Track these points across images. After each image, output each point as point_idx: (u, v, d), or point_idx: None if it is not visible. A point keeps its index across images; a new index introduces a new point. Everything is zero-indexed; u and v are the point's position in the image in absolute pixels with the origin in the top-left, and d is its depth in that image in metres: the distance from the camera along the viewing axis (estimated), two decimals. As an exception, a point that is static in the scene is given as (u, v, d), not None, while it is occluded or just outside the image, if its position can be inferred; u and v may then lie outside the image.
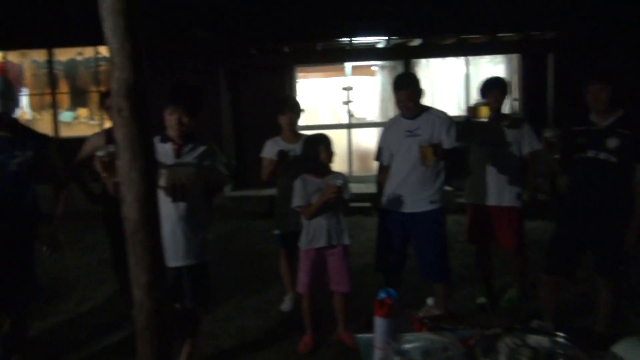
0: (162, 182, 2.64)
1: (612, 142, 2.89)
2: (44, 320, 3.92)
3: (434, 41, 8.16)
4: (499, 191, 3.68)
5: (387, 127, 3.57)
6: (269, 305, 4.09)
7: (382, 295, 1.66)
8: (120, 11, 1.72)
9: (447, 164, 3.33)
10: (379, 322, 1.62)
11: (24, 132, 2.85)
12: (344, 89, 8.91)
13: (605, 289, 3.09)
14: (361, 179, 7.86)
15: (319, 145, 3.21)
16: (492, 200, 3.72)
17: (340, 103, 9.24)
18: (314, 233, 3.21)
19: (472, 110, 3.59)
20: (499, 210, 3.73)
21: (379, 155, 3.56)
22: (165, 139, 2.80)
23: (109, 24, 1.73)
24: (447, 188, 7.11)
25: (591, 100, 2.96)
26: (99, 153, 2.54)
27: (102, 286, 4.65)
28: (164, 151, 2.76)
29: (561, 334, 1.41)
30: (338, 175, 3.26)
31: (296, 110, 3.86)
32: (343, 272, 3.26)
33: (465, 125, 3.47)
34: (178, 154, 2.79)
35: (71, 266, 5.30)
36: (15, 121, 2.85)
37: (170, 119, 2.75)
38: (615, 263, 2.98)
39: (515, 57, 8.53)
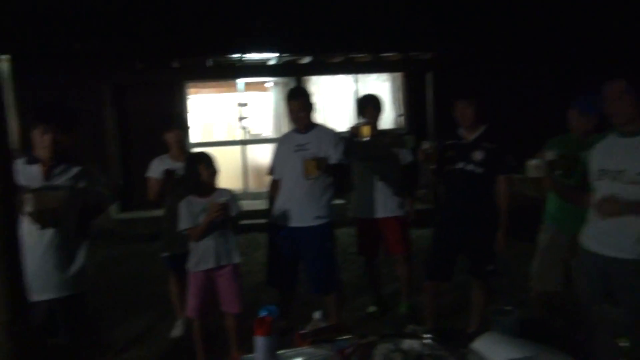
0: (27, 207, 2.42)
1: (478, 155, 3.17)
2: None
3: (323, 59, 8.44)
4: (383, 203, 3.84)
5: (280, 142, 3.63)
6: (159, 332, 3.90)
7: (263, 313, 1.66)
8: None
9: (334, 178, 3.43)
10: (260, 341, 1.61)
11: None
12: (239, 105, 8.87)
13: (477, 289, 3.37)
14: (257, 196, 7.83)
15: (198, 165, 3.14)
16: (377, 212, 3.86)
17: (235, 119, 9.19)
18: (201, 254, 3.12)
19: (355, 129, 3.67)
20: (385, 221, 3.89)
21: (271, 170, 3.59)
22: (32, 160, 2.56)
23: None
24: (340, 201, 7.38)
25: (459, 116, 3.24)
26: None
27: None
28: (31, 173, 2.53)
29: (428, 336, 1.51)
30: (224, 192, 3.21)
31: (183, 127, 3.78)
32: (234, 292, 3.20)
33: (347, 142, 3.59)
34: (48, 176, 2.56)
35: None
36: None
37: (43, 139, 2.53)
38: (484, 264, 3.26)
39: (398, 75, 9.09)
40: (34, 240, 2.42)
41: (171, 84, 8.27)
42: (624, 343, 1.53)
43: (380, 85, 9.20)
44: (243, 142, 8.77)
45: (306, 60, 8.44)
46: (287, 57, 8.28)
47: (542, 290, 3.23)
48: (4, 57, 6.34)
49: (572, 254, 2.88)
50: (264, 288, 4.05)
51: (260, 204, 6.96)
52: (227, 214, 3.02)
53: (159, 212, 4.05)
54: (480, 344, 1.40)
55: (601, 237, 2.34)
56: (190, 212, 3.11)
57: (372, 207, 3.86)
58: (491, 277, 3.33)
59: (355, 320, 3.94)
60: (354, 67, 8.78)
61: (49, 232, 2.50)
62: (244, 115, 8.91)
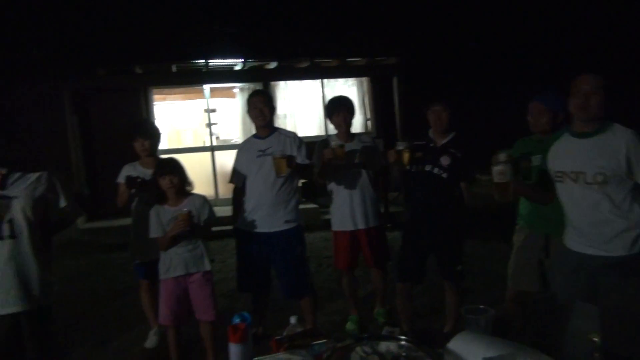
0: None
1: (445, 160, 3.21)
2: None
3: (289, 64, 8.46)
4: (361, 214, 3.64)
5: (240, 149, 3.60)
6: (133, 343, 3.79)
7: (236, 320, 1.63)
8: None
9: (300, 176, 3.40)
10: (234, 349, 1.59)
11: None
12: (206, 111, 8.78)
13: (449, 290, 3.41)
14: (228, 202, 7.72)
15: (158, 174, 3.09)
16: (356, 224, 3.66)
17: (203, 125, 9.08)
18: (170, 262, 3.08)
19: (329, 153, 3.33)
20: (363, 233, 3.68)
21: (233, 177, 3.55)
22: (-17, 172, 2.46)
23: None
24: (312, 205, 7.38)
25: (433, 120, 3.25)
26: None
27: None
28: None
29: (404, 338, 1.52)
30: (195, 199, 3.16)
31: (149, 135, 3.67)
32: (206, 299, 3.15)
33: (323, 166, 3.50)
34: (3, 185, 2.46)
35: None
36: None
37: None
38: (453, 265, 3.31)
39: (365, 79, 9.18)
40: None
41: (135, 90, 8.13)
42: (596, 338, 1.57)
43: (347, 89, 9.29)
44: (212, 148, 8.68)
45: (272, 65, 8.44)
46: (253, 62, 8.27)
47: (518, 289, 3.22)
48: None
49: (547, 254, 2.94)
50: (238, 295, 4.01)
51: (232, 210, 6.90)
52: (192, 224, 2.97)
53: (125, 221, 3.95)
54: (456, 344, 1.42)
55: (584, 236, 2.36)
56: (158, 220, 3.06)
57: (351, 219, 3.66)
58: (461, 277, 3.38)
59: (332, 323, 3.92)
60: (321, 72, 8.84)
61: (8, 243, 2.41)
62: (212, 121, 8.82)
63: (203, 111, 8.97)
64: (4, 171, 2.46)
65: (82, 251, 6.54)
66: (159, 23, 7.39)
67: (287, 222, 3.36)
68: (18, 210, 2.43)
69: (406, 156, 3.19)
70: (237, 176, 3.51)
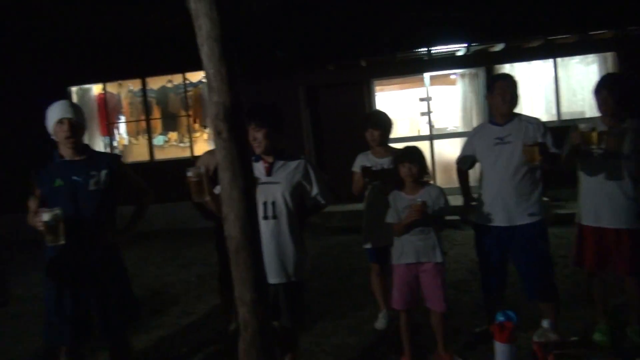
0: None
1: None
2: (148, 333, 4.15)
3: (518, 44, 7.80)
4: (617, 211, 3.13)
5: (474, 133, 3.45)
6: (364, 322, 4.00)
7: (501, 318, 1.53)
8: (216, 37, 1.76)
9: (548, 166, 3.04)
10: (501, 348, 1.50)
11: (95, 154, 2.90)
12: (422, 99, 8.75)
13: None
14: (446, 191, 7.60)
15: (398, 161, 3.17)
16: (608, 221, 3.16)
17: (419, 114, 9.07)
18: (402, 249, 3.12)
19: (581, 137, 2.95)
20: (615, 233, 3.15)
21: (460, 160, 3.46)
22: (257, 159, 2.84)
23: (206, 49, 1.77)
24: (544, 198, 6.71)
25: None
26: (189, 173, 2.57)
27: (201, 301, 4.87)
28: (257, 170, 2.80)
29: None
30: (431, 189, 3.14)
31: (378, 126, 3.78)
32: (436, 290, 3.11)
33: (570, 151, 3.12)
34: (269, 171, 2.82)
35: (172, 282, 5.63)
36: (87, 146, 2.89)
37: (255, 136, 2.76)
38: None
39: (609, 55, 7.94)
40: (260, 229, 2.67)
41: (360, 82, 8.54)
42: None
43: (584, 68, 8.20)
44: (430, 137, 8.62)
45: (498, 47, 7.90)
46: (476, 46, 7.86)
47: None
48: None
49: None
50: (462, 286, 3.91)
51: (451, 200, 6.74)
52: (425, 214, 2.95)
53: (353, 207, 4.15)
54: None
55: None
56: (395, 207, 3.14)
57: (593, 213, 3.20)
58: None
59: (573, 332, 3.49)
60: (554, 50, 7.93)
61: (272, 222, 2.75)
62: (429, 110, 8.74)
63: (417, 100, 8.96)
64: (270, 159, 2.83)
65: (314, 233, 7.15)
66: (381, 15, 7.58)
67: (530, 215, 3.10)
68: (279, 194, 2.76)
69: None
70: (466, 161, 3.42)
